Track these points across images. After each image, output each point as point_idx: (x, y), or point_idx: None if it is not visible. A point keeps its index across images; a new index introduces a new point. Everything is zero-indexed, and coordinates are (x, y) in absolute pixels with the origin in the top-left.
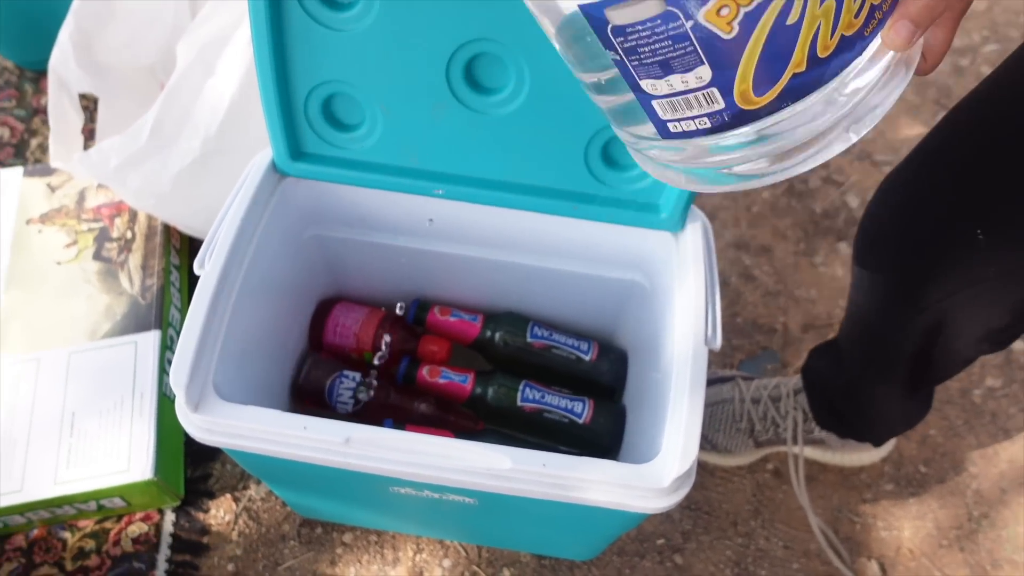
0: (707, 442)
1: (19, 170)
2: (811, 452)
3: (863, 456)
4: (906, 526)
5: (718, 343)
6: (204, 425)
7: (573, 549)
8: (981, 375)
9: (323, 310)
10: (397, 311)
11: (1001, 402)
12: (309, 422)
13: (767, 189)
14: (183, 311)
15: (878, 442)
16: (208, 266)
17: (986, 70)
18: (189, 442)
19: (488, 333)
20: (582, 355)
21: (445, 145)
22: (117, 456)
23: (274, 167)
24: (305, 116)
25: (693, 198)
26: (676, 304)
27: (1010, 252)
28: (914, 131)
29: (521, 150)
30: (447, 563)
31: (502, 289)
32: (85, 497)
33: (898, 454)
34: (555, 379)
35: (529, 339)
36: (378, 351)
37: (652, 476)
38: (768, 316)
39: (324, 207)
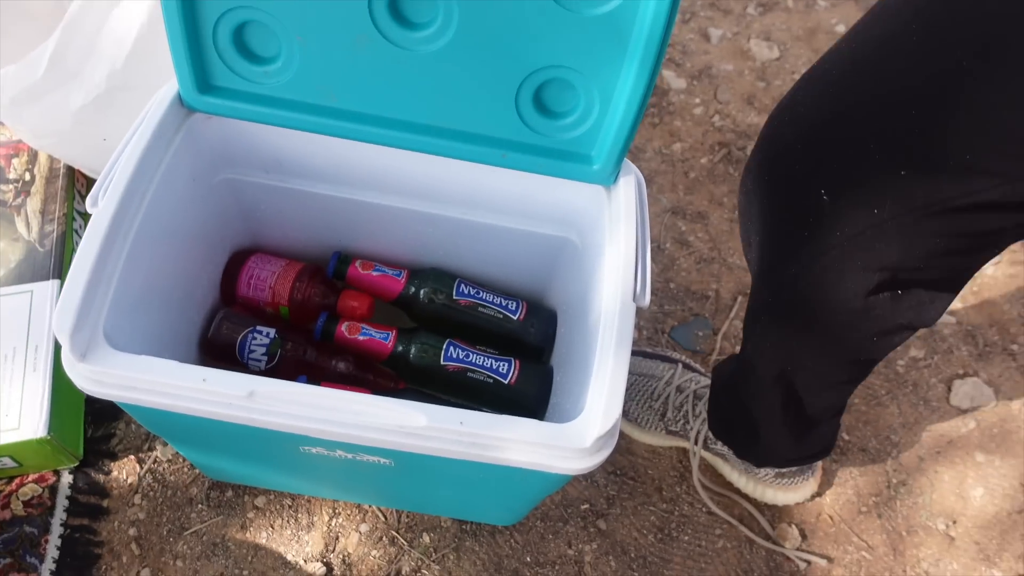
0: None
1: None
2: (711, 460)
3: (765, 490)
4: (827, 492)
5: (647, 300)
6: (91, 376)
7: (494, 514)
8: (905, 346)
9: (237, 261)
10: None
11: (923, 372)
12: (209, 374)
13: (705, 155)
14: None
15: (759, 463)
16: (102, 203)
17: None
18: (91, 400)
19: (412, 289)
20: (510, 314)
21: (367, 83)
22: (8, 413)
23: (180, 100)
24: (214, 45)
25: (626, 150)
26: (606, 261)
27: (855, 216)
28: None
29: (448, 92)
30: (364, 528)
31: (428, 243)
32: None
33: None
34: (481, 338)
35: (455, 296)
36: (295, 305)
37: (574, 436)
38: (701, 283)
39: (237, 148)
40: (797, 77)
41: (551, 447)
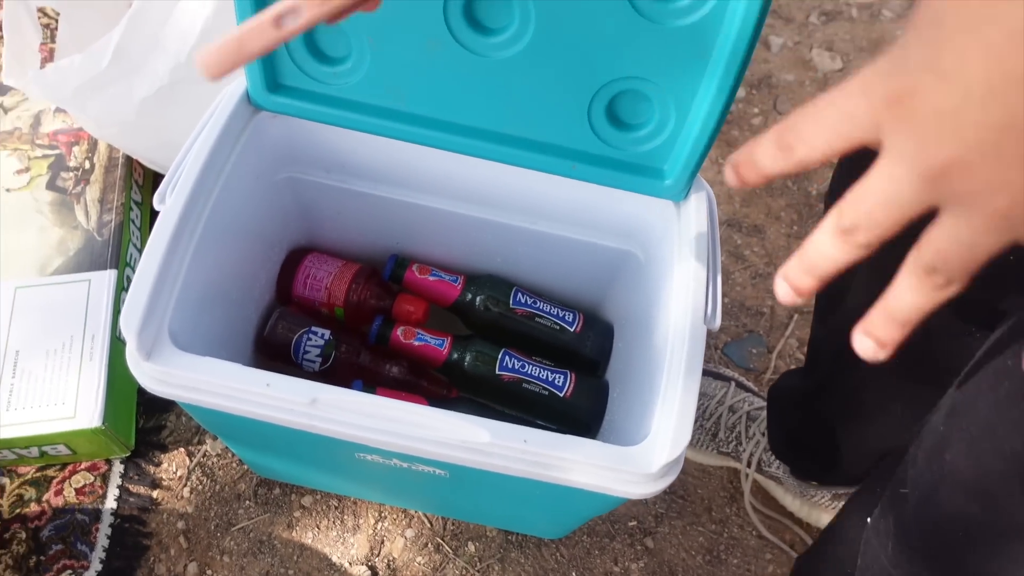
0: None
1: None
2: (764, 482)
3: (821, 515)
4: None
5: (717, 323)
6: (156, 375)
7: (543, 527)
8: None
9: (293, 260)
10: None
11: None
12: (273, 379)
13: None
14: (143, 251)
15: (828, 480)
16: (169, 201)
17: None
18: (143, 391)
19: (469, 296)
20: (566, 325)
21: (437, 88)
22: (64, 401)
23: (248, 99)
24: (286, 44)
25: (700, 165)
26: (674, 278)
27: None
28: None
29: (519, 100)
30: (410, 533)
31: (487, 250)
32: (26, 442)
33: None
34: (536, 349)
35: (512, 305)
36: (350, 307)
37: (640, 460)
38: (756, 298)
39: (300, 147)
40: None
41: (616, 470)
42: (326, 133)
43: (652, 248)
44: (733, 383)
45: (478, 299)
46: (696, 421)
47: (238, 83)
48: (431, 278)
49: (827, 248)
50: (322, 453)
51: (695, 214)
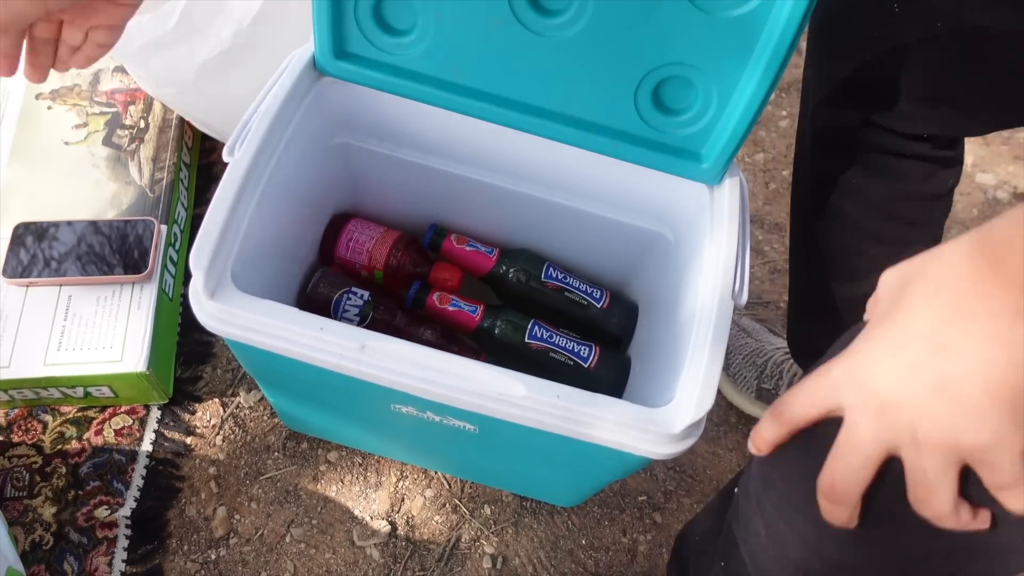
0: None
1: None
2: None
3: None
4: None
5: (744, 299)
6: (217, 314)
7: (557, 494)
8: None
9: (337, 223)
10: None
11: None
12: (326, 324)
13: (787, 168)
14: (189, 210)
15: None
16: (238, 154)
17: None
18: (182, 343)
19: (503, 268)
20: (594, 301)
21: (495, 63)
22: (111, 345)
23: (314, 63)
24: (354, 13)
25: (736, 151)
26: (704, 260)
27: None
28: None
29: (571, 79)
30: (429, 493)
31: (523, 225)
32: (73, 382)
33: None
34: (563, 322)
35: (543, 278)
36: (389, 271)
37: (664, 421)
38: (773, 293)
39: (358, 114)
40: None
41: (641, 429)
42: (384, 102)
43: (683, 230)
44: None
45: (511, 271)
46: (748, 357)
47: (305, 48)
48: (468, 248)
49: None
50: (359, 403)
51: (728, 197)
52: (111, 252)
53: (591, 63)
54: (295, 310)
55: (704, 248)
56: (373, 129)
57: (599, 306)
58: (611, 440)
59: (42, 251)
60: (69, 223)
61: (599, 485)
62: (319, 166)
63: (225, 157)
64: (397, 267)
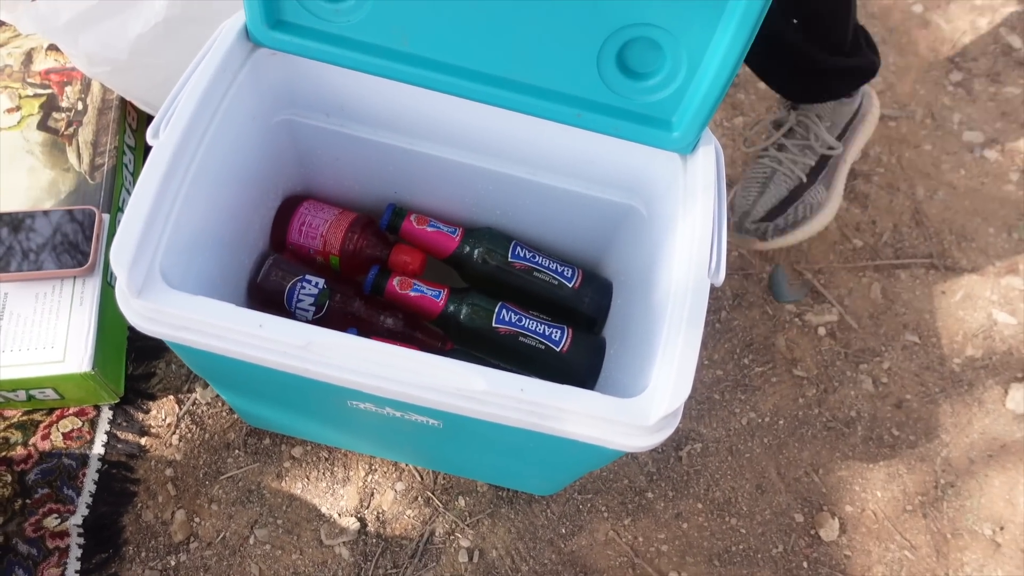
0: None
1: None
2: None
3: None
4: (874, 488)
5: (721, 277)
6: (147, 313)
7: (534, 483)
8: (962, 344)
9: (288, 207)
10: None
11: (980, 373)
12: (266, 320)
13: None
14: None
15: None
16: (163, 136)
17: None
18: (132, 338)
19: (466, 248)
20: (565, 281)
21: (443, 29)
22: (53, 345)
23: (246, 34)
24: None
25: (709, 118)
26: (677, 233)
27: None
28: (923, 87)
29: (526, 44)
30: (400, 486)
31: (486, 202)
32: (14, 385)
33: (872, 415)
34: (533, 304)
35: (510, 259)
36: (346, 256)
37: (637, 412)
38: (756, 267)
39: (300, 88)
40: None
41: (613, 422)
42: (327, 74)
43: (656, 203)
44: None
45: (476, 251)
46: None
47: (236, 17)
48: (429, 229)
49: None
50: (313, 400)
51: (702, 167)
52: (50, 245)
53: (549, 24)
54: (231, 306)
55: (678, 222)
56: (319, 104)
57: (571, 285)
58: (581, 434)
59: None
60: (3, 215)
61: (578, 474)
62: (262, 145)
63: (149, 140)
64: (354, 251)
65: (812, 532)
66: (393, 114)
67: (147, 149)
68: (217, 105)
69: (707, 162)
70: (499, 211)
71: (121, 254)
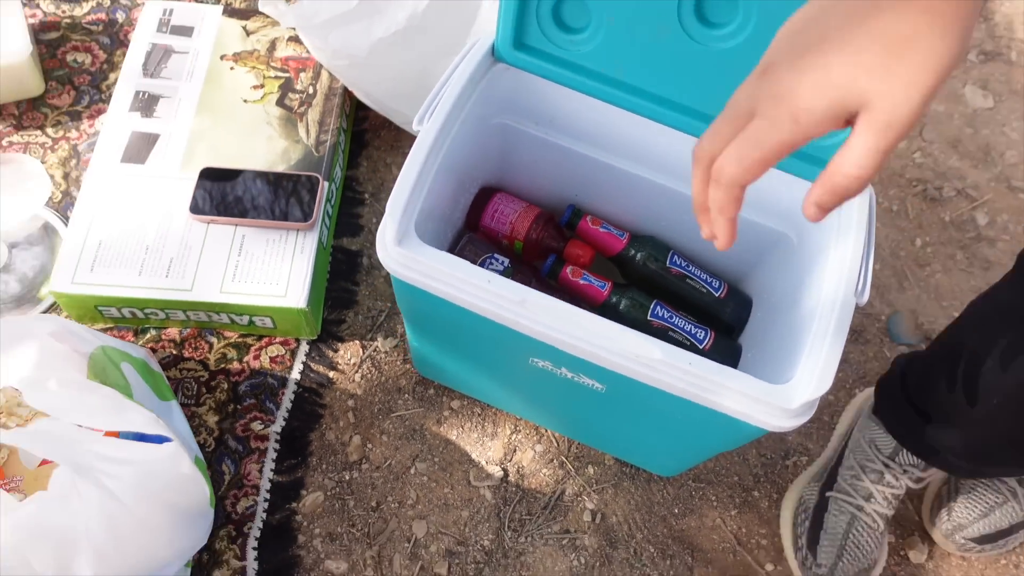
0: None
1: (219, 8)
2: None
3: None
4: None
5: (866, 298)
6: (401, 260)
7: (659, 462)
8: None
9: (484, 195)
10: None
11: None
12: (493, 277)
13: (899, 188)
14: (343, 171)
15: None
16: (427, 124)
17: None
18: (330, 288)
19: (631, 251)
20: (712, 290)
21: (656, 65)
22: (277, 282)
23: (492, 51)
24: (536, 11)
25: None
26: (829, 260)
27: None
28: None
29: (725, 84)
30: (539, 448)
31: (654, 213)
32: (242, 310)
33: None
34: (683, 306)
35: (668, 264)
36: (528, 243)
37: (784, 396)
38: (869, 304)
39: (520, 99)
40: (1007, 130)
41: (762, 402)
42: (547, 89)
43: (808, 231)
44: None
45: (639, 255)
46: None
47: (486, 36)
48: (601, 230)
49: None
50: (499, 353)
51: (858, 201)
52: (281, 200)
53: (745, 72)
54: (468, 263)
55: (829, 249)
56: (532, 113)
57: (717, 295)
58: (733, 409)
59: (223, 193)
60: (246, 171)
61: (704, 455)
62: (480, 142)
63: (415, 126)
64: (536, 240)
65: (902, 552)
66: (592, 128)
67: (355, 133)
68: (463, 106)
69: (862, 196)
70: (663, 222)
71: (395, 207)
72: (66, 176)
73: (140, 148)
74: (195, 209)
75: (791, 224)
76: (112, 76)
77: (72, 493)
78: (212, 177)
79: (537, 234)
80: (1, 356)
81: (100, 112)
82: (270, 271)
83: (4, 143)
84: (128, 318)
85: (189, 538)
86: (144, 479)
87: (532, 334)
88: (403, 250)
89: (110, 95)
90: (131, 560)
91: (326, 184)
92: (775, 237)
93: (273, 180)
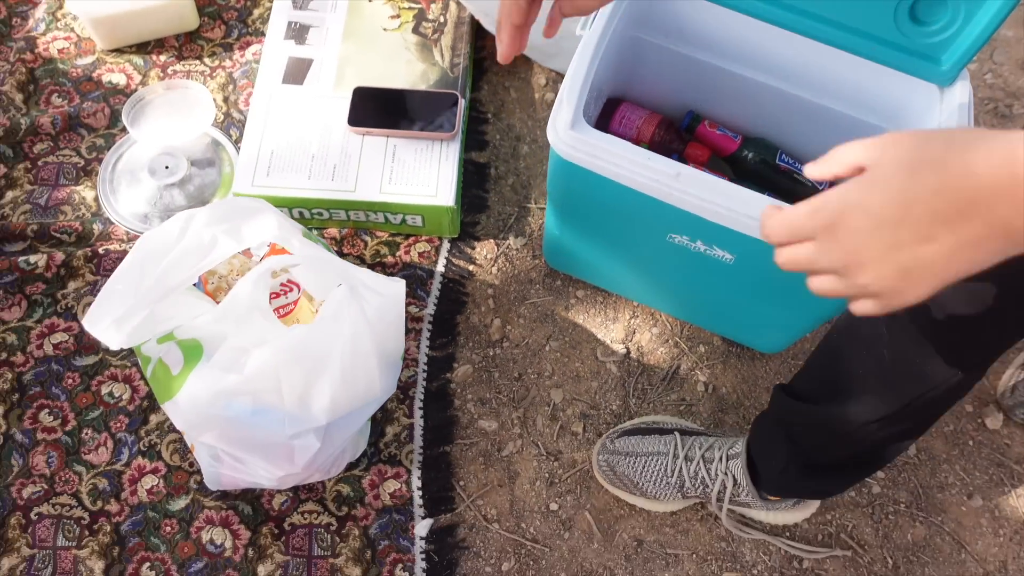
0: (636, 487)
1: None
2: (737, 509)
3: (788, 515)
4: None
5: None
6: (571, 142)
7: (766, 340)
8: None
9: (612, 104)
10: None
11: None
12: (651, 156)
13: (973, 107)
14: (471, 91)
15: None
16: (589, 29)
17: None
18: (464, 195)
19: (744, 151)
20: (819, 186)
21: None
22: (427, 184)
23: None
24: None
25: (971, 58)
26: None
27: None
28: None
29: None
30: (655, 330)
31: (765, 116)
32: (398, 208)
33: None
34: (790, 200)
35: (777, 161)
36: (653, 145)
37: None
38: None
39: (656, 14)
40: None
41: None
42: (679, 3)
43: (910, 126)
44: (676, 432)
45: (751, 154)
46: (661, 480)
47: None
48: (718, 132)
49: None
50: (638, 230)
51: (959, 96)
52: (427, 115)
53: None
54: (628, 143)
55: None
56: (663, 26)
57: (821, 189)
58: None
59: (375, 109)
60: (394, 90)
61: (815, 324)
62: (616, 55)
63: (578, 32)
64: (660, 142)
65: (979, 420)
66: (715, 37)
67: (475, 60)
68: (609, 20)
69: (964, 91)
70: (774, 125)
71: (571, 95)
72: (226, 99)
73: (297, 71)
74: (353, 122)
75: (893, 120)
76: (256, 12)
77: (344, 313)
78: (364, 95)
79: (661, 137)
80: (243, 225)
81: (248, 44)
82: (421, 175)
83: (169, 71)
84: (295, 219)
85: (390, 380)
86: (383, 312)
87: (682, 205)
88: (575, 132)
89: (255, 29)
90: (357, 389)
91: (463, 101)
92: (876, 133)
93: (418, 97)
